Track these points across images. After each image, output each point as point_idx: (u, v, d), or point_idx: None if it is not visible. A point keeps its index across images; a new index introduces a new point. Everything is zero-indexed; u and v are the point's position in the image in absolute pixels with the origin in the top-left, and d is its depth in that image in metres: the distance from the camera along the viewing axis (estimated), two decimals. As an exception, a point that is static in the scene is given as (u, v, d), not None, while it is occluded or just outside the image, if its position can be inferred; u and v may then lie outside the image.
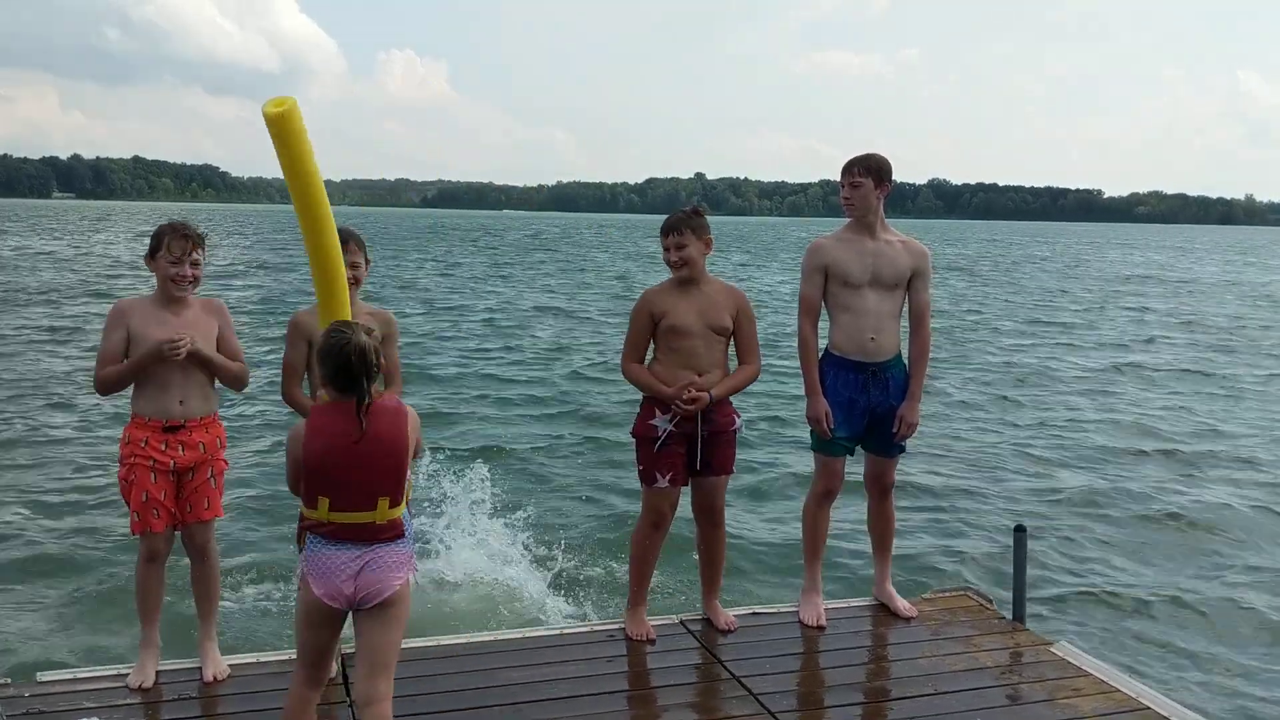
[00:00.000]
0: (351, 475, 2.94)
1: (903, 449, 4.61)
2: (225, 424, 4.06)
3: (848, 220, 4.50)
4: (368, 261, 4.06)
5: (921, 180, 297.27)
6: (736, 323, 4.27)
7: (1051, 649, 4.36)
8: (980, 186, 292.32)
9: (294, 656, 3.19)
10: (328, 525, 2.98)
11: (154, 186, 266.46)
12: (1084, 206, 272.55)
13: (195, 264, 3.83)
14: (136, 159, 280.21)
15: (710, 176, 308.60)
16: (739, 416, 4.35)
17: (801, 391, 4.54)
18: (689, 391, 4.12)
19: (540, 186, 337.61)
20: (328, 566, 2.98)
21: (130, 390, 3.83)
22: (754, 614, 4.68)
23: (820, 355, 4.49)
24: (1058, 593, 7.12)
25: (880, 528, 4.76)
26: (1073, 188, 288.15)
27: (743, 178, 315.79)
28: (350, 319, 3.22)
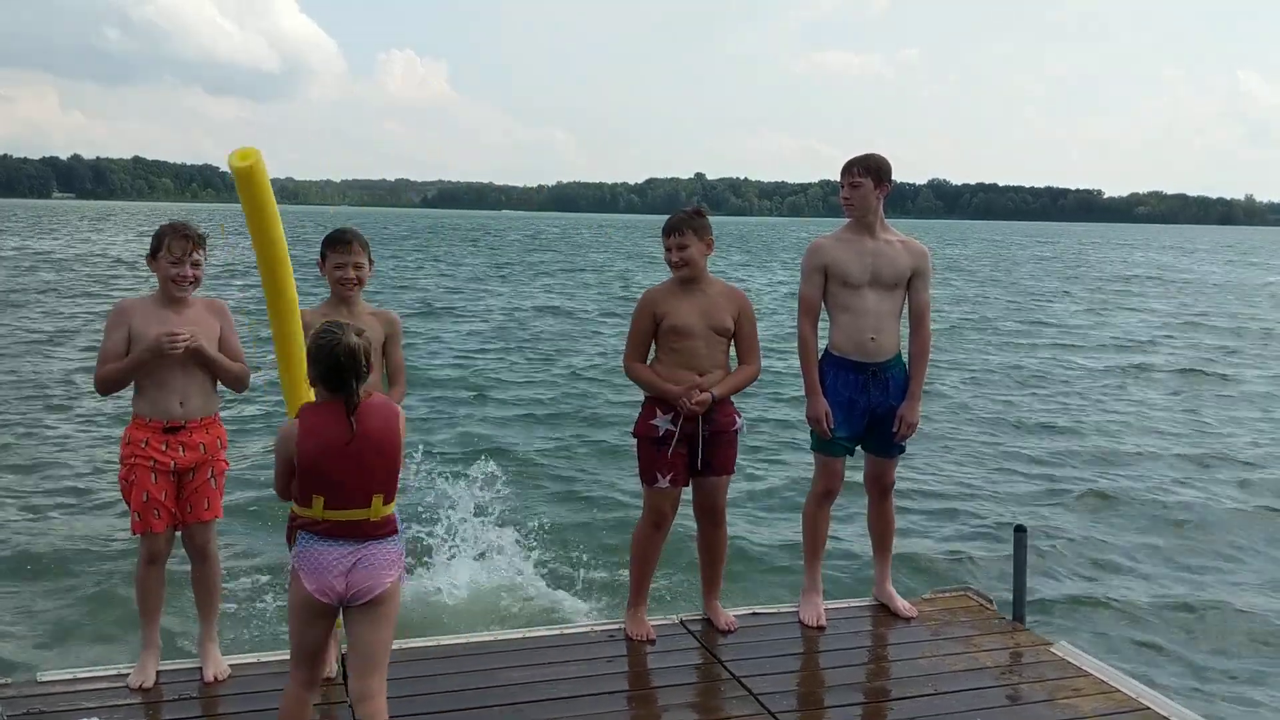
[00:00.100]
0: (345, 473, 2.95)
1: (903, 449, 4.61)
2: (225, 424, 4.06)
3: (847, 220, 4.50)
4: (371, 262, 4.07)
5: (921, 180, 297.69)
6: (737, 323, 4.27)
7: (1051, 649, 4.36)
8: (980, 186, 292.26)
9: (294, 656, 3.19)
10: (322, 523, 2.98)
11: (154, 187, 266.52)
12: (1084, 206, 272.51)
13: (196, 264, 3.83)
14: (136, 159, 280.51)
15: (710, 176, 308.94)
16: (740, 416, 4.35)
17: (802, 391, 4.55)
18: (694, 394, 4.12)
19: (540, 187, 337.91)
20: (320, 563, 2.99)
21: (131, 391, 3.83)
22: (754, 614, 4.68)
23: (820, 355, 4.49)
24: (1058, 593, 7.12)
25: (880, 528, 4.76)
26: (1073, 188, 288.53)
27: (743, 178, 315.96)
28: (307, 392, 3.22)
